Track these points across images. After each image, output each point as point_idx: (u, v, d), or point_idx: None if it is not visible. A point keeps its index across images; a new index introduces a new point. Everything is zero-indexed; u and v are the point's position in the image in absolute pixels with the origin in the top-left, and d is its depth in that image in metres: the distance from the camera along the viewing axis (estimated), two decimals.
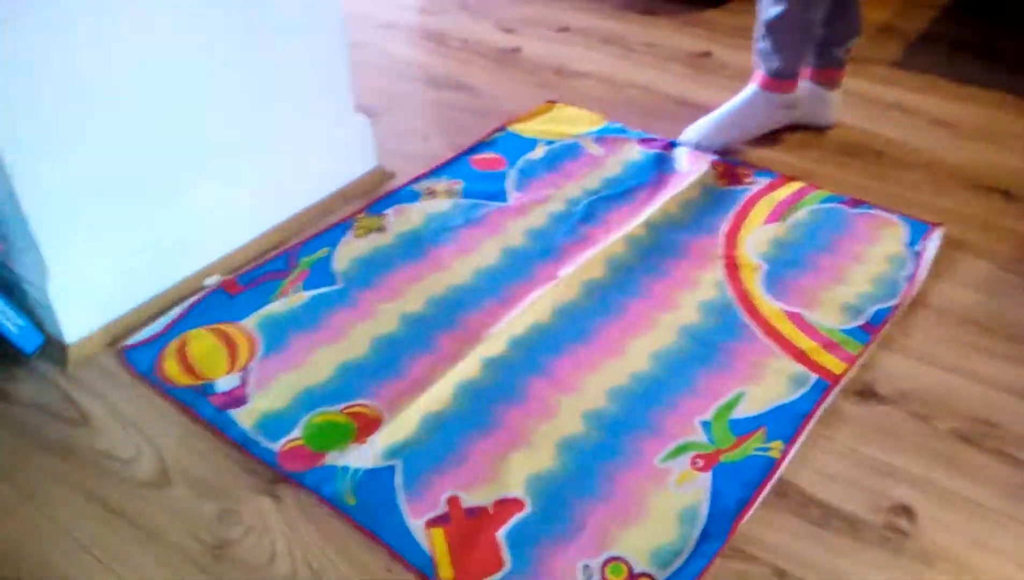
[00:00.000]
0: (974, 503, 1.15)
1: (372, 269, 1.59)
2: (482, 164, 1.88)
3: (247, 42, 1.52)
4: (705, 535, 1.12)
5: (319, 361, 1.40)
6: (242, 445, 1.27)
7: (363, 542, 1.13)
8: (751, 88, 1.88)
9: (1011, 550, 1.09)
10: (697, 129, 1.89)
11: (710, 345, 1.39)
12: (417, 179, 1.83)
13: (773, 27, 1.77)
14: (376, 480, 1.21)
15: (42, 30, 1.24)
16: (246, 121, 1.58)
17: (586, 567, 1.09)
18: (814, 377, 1.33)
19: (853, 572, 1.07)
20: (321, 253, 1.63)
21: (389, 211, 1.73)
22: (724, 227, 1.65)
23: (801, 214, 1.67)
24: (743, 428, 1.26)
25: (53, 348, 1.44)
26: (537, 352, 1.39)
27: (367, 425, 1.28)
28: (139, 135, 1.42)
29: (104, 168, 1.39)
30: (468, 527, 1.14)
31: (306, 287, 1.55)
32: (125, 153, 1.41)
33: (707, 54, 2.33)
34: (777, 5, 1.74)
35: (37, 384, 1.39)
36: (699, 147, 1.86)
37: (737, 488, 1.17)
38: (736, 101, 1.89)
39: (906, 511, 1.14)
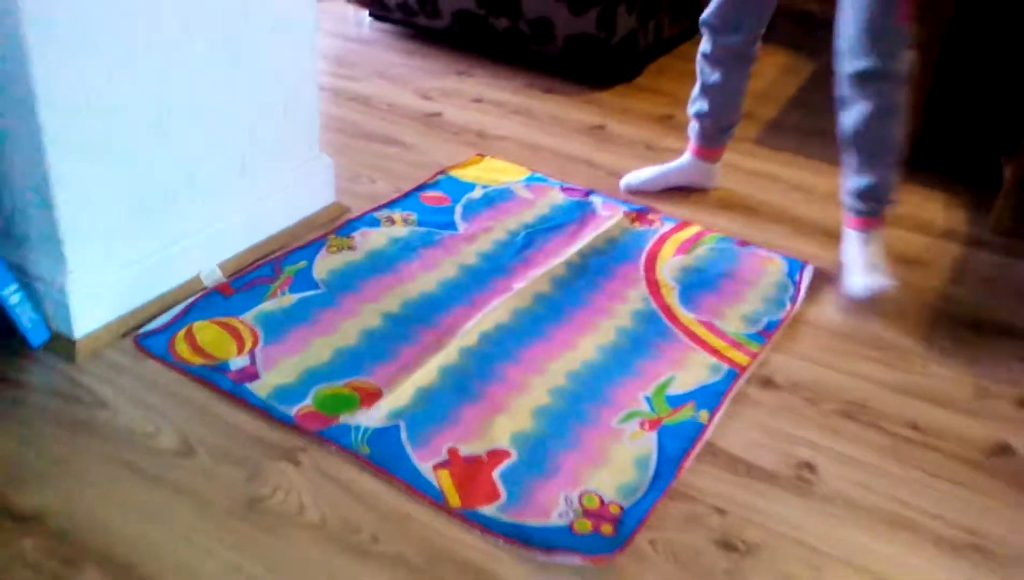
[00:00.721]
0: (858, 460, 1.49)
1: (349, 278, 1.82)
2: (430, 200, 2.15)
3: (239, 89, 1.75)
4: (656, 476, 1.41)
5: (316, 348, 1.62)
6: (263, 409, 1.47)
7: (381, 490, 1.35)
8: (687, 157, 2.28)
9: (887, 490, 1.43)
10: (637, 177, 2.29)
11: (644, 342, 1.71)
12: (376, 209, 2.09)
13: (713, 100, 2.14)
14: (385, 436, 1.43)
15: (85, 57, 1.45)
16: (235, 152, 1.80)
17: (567, 497, 1.35)
18: (726, 366, 1.66)
19: (773, 509, 1.38)
20: (301, 264, 1.85)
21: (356, 234, 1.98)
22: (642, 257, 1.99)
23: (702, 250, 2.04)
24: (677, 401, 1.57)
25: (60, 343, 1.58)
26: (505, 344, 1.66)
27: (368, 396, 1.51)
28: (152, 154, 1.62)
29: (125, 179, 1.58)
30: (467, 469, 1.39)
31: (292, 290, 1.77)
32: (141, 168, 1.61)
33: (601, 127, 2.72)
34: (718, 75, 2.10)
35: (49, 374, 1.53)
36: (631, 189, 2.26)
37: (677, 443, 1.47)
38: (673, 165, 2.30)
39: (809, 466, 1.47)
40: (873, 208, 1.92)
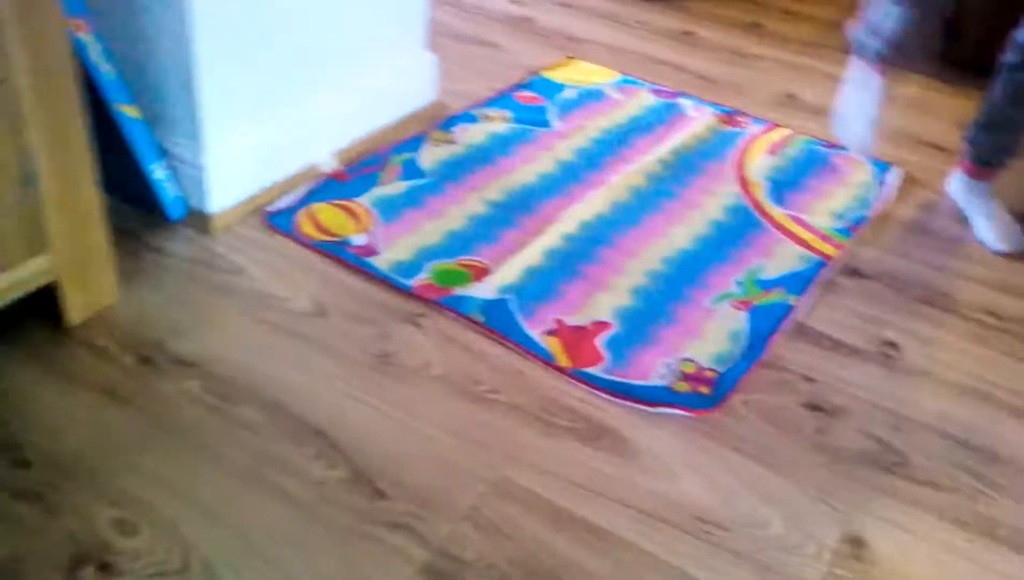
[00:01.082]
0: (939, 340, 1.58)
1: (453, 168, 1.93)
2: (525, 99, 2.24)
3: None
4: (748, 347, 1.52)
5: (428, 230, 1.74)
6: (385, 279, 1.60)
7: (496, 351, 1.48)
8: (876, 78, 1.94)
9: (967, 367, 1.53)
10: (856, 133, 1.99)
11: (734, 232, 1.80)
12: (473, 107, 2.19)
13: None
14: (496, 307, 1.56)
15: None
16: (351, 47, 1.91)
17: (666, 362, 1.47)
18: (815, 257, 1.75)
19: (858, 379, 1.49)
20: (408, 155, 1.97)
21: (456, 129, 2.08)
22: (732, 156, 2.06)
23: (791, 151, 2.11)
24: (767, 285, 1.66)
25: (197, 217, 1.72)
26: (603, 230, 1.77)
27: (479, 273, 1.64)
28: (280, 46, 1.73)
29: (257, 68, 1.70)
30: (573, 336, 1.51)
31: (402, 178, 1.89)
32: (271, 58, 1.72)
33: (689, 33, 2.76)
34: None
35: (189, 244, 1.67)
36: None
37: (767, 321, 1.58)
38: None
39: (892, 344, 1.56)
40: (1004, 163, 1.89)
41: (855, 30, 1.95)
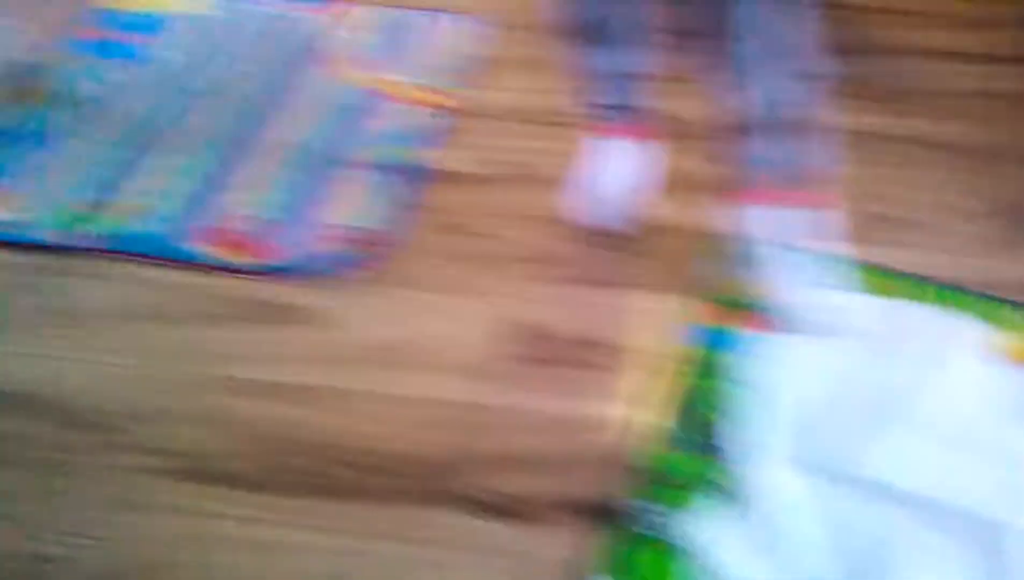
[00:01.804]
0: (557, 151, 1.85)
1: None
2: (109, 37, 2.17)
3: None
4: (398, 201, 1.70)
5: (57, 182, 1.71)
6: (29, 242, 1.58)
7: (166, 276, 1.55)
8: None
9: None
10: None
11: (349, 110, 1.93)
12: (51, 56, 2.08)
13: None
14: (149, 236, 1.62)
15: None
16: None
17: (327, 234, 1.62)
18: (432, 110, 1.92)
19: (499, 200, 1.70)
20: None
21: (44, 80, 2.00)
22: (320, 42, 2.14)
23: (372, 23, 2.22)
24: (393, 142, 1.84)
25: None
26: (227, 138, 1.84)
27: (123, 210, 1.66)
28: None
29: None
30: (232, 237, 1.62)
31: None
32: None
33: None
34: None
35: None
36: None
37: (406, 175, 1.76)
38: None
39: (525, 165, 1.80)
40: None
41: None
